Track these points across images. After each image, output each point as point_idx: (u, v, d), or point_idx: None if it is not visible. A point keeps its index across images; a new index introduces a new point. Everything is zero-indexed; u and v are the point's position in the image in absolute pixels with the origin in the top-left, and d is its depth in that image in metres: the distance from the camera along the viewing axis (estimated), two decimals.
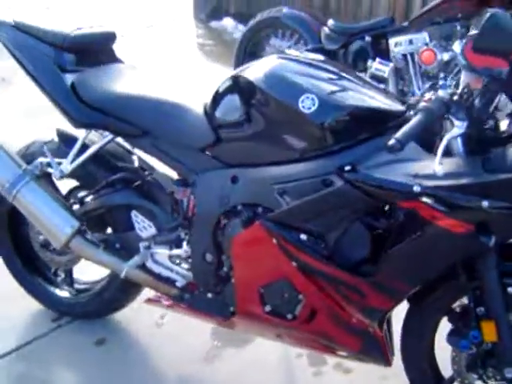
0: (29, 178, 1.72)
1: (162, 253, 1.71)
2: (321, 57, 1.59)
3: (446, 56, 2.93)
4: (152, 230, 1.70)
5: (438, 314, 1.56)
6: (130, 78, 1.76)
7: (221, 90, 1.61)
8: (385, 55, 3.15)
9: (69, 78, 1.68)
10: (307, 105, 1.41)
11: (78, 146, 1.71)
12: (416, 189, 1.28)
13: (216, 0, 5.81)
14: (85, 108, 1.66)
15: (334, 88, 1.44)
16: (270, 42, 3.76)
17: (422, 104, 1.29)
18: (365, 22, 3.50)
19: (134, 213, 1.72)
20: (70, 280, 2.04)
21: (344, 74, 1.54)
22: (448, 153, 1.31)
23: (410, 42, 3.06)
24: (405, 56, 3.09)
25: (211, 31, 5.84)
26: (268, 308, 1.59)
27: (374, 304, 1.48)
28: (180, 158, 1.65)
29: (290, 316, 1.57)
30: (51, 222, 1.72)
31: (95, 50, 1.75)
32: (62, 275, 2.06)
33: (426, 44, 3.00)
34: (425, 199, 1.29)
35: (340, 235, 1.44)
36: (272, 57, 1.58)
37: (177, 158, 1.66)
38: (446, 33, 3.00)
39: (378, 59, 3.08)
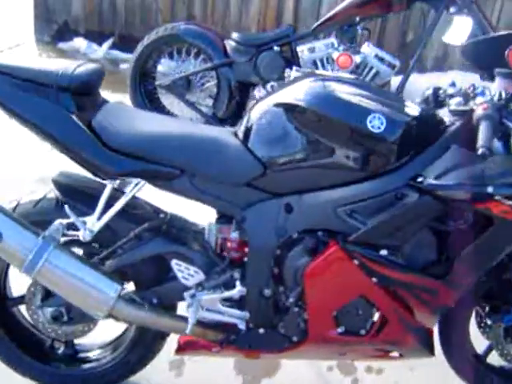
0: (53, 245, 1.46)
1: (212, 298, 1.58)
2: (347, 75, 1.61)
3: (358, 59, 3.14)
4: (199, 276, 1.57)
5: (478, 297, 1.72)
6: (143, 117, 1.58)
7: (257, 118, 1.54)
8: (294, 63, 3.25)
9: (84, 124, 1.45)
10: (376, 124, 1.42)
11: (104, 199, 1.48)
12: (490, 190, 1.38)
13: (62, 20, 5.39)
14: (114, 156, 1.45)
15: (391, 104, 1.48)
16: (161, 62, 3.63)
17: (481, 112, 1.39)
18: (269, 32, 3.59)
19: (174, 262, 1.56)
20: (73, 351, 1.78)
21: (378, 90, 1.59)
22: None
23: (319, 48, 3.21)
24: (315, 62, 3.23)
25: (61, 53, 5.40)
26: (341, 329, 1.58)
27: (445, 302, 1.57)
28: (222, 194, 1.54)
29: (363, 332, 1.59)
30: (91, 290, 1.49)
31: (97, 89, 1.53)
32: (62, 348, 1.79)
33: (336, 49, 3.19)
34: (497, 198, 1.40)
35: (414, 243, 1.50)
36: (308, 79, 1.55)
37: (218, 196, 1.54)
38: (349, 36, 3.21)
39: (294, 67, 3.16)
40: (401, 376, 2.01)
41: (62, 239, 1.50)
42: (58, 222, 1.48)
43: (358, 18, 3.17)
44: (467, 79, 4.93)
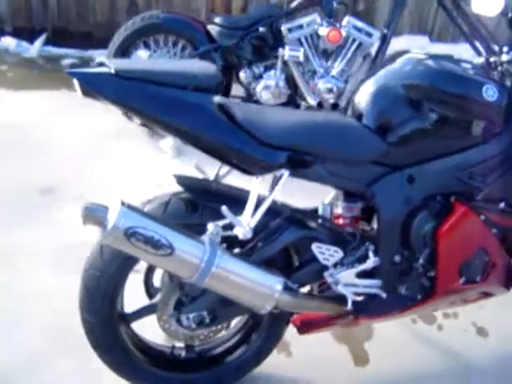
0: (220, 250, 1.46)
1: (349, 273, 1.68)
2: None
3: (343, 33, 3.27)
4: (339, 255, 1.65)
5: None
6: (266, 110, 1.61)
7: (370, 99, 1.64)
8: (281, 42, 3.33)
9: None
10: (490, 93, 1.59)
11: (255, 195, 1.50)
12: None
13: None
14: (266, 149, 1.47)
15: (491, 73, 1.65)
16: (137, 52, 3.50)
17: None
18: (252, 13, 3.59)
19: (315, 245, 1.63)
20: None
21: (465, 61, 1.75)
22: None
23: (303, 25, 3.30)
24: (300, 40, 3.32)
25: None
26: (463, 280, 1.75)
27: None
28: (351, 174, 1.63)
29: (478, 279, 1.77)
30: (258, 287, 1.51)
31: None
32: (183, 353, 1.80)
33: (320, 25, 3.30)
34: None
35: None
36: (411, 58, 1.67)
37: (347, 176, 1.63)
38: (327, 11, 3.34)
39: (287, 46, 3.25)
40: (474, 315, 2.25)
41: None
42: (212, 225, 1.48)
43: None
44: (417, 42, 5.28)
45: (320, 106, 3.36)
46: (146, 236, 1.34)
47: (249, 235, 1.49)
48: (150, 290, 1.73)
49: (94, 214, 1.32)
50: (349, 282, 1.69)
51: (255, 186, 1.53)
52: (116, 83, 1.37)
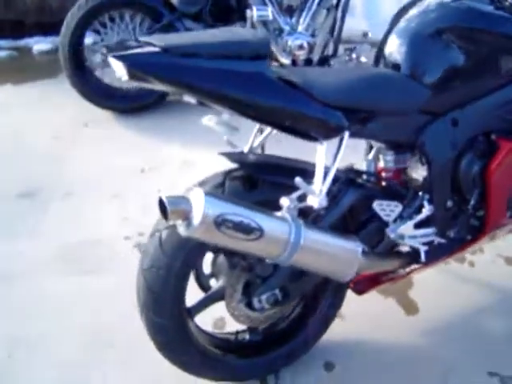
0: (302, 223, 1.38)
1: (407, 226, 1.65)
2: None
3: None
4: (399, 209, 1.62)
5: None
6: (316, 71, 1.53)
7: (402, 47, 1.60)
8: (245, 3, 3.19)
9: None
10: None
11: (322, 160, 1.41)
12: None
13: None
14: (331, 110, 1.38)
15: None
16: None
17: None
18: None
19: (376, 203, 1.59)
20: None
21: None
22: None
23: None
24: None
25: None
26: (509, 214, 1.78)
27: None
28: (401, 127, 1.59)
29: None
30: (341, 254, 1.45)
31: None
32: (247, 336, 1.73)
33: None
34: None
35: None
36: (436, 2, 1.62)
37: (395, 129, 1.59)
38: None
39: (254, 7, 3.11)
40: (497, 248, 2.29)
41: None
42: (287, 199, 1.40)
43: None
44: None
45: (294, 63, 3.29)
46: (235, 222, 1.23)
47: (324, 203, 1.41)
48: (200, 278, 1.64)
49: (178, 208, 1.19)
50: (409, 234, 1.68)
51: (321, 152, 1.45)
52: (168, 61, 1.24)
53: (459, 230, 1.77)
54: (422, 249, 1.66)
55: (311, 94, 1.38)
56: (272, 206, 1.46)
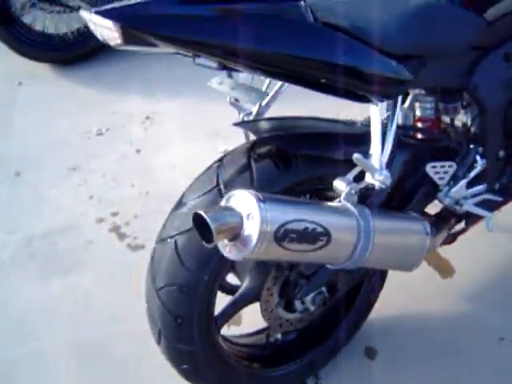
0: (367, 211, 1.05)
1: (461, 186, 1.37)
2: None
3: None
4: (453, 168, 1.33)
5: None
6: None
7: None
8: None
9: None
10: None
11: (378, 127, 1.08)
12: None
13: None
14: (393, 61, 1.04)
15: None
16: None
17: None
18: None
19: (429, 165, 1.29)
20: None
21: None
22: None
23: None
24: None
25: None
26: None
27: None
28: (450, 69, 1.27)
29: None
30: (412, 240, 1.16)
31: None
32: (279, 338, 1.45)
33: None
34: None
35: None
36: None
37: (450, 72, 1.27)
38: None
39: None
40: None
41: None
42: (342, 182, 1.07)
43: None
44: None
45: None
46: (299, 231, 0.89)
47: (388, 182, 1.10)
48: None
49: (226, 225, 0.84)
50: (463, 195, 1.41)
51: (375, 115, 1.11)
52: (178, 12, 0.84)
53: (507, 181, 1.53)
54: (472, 209, 1.41)
55: (364, 39, 1.02)
56: (310, 187, 1.14)
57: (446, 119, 1.41)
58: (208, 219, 0.82)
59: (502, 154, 1.44)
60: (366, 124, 1.23)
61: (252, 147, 1.17)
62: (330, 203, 1.04)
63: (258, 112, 1.34)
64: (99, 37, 0.92)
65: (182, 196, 1.17)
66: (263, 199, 0.88)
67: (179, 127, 2.54)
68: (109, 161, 2.33)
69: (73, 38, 2.87)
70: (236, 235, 0.85)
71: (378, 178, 1.08)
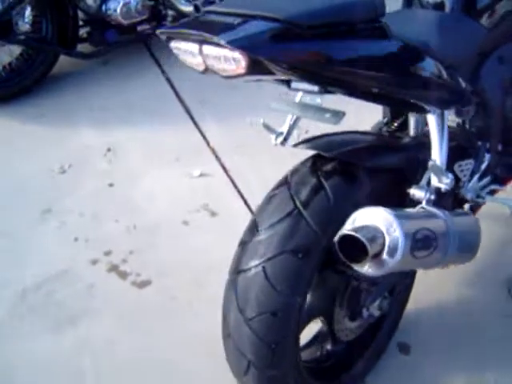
0: (448, 213, 1.11)
1: (475, 181, 1.49)
2: None
3: None
4: (471, 165, 1.45)
5: None
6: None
7: None
8: None
9: None
10: None
11: (436, 132, 1.15)
12: None
13: None
14: (455, 73, 1.14)
15: None
16: None
17: None
18: None
19: (456, 165, 1.39)
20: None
21: None
22: None
23: None
24: None
25: None
26: None
27: None
28: (463, 73, 1.39)
29: None
30: (474, 233, 1.21)
31: None
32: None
33: None
34: None
35: None
36: None
37: (464, 78, 1.39)
38: None
39: None
40: None
41: None
42: (417, 190, 1.12)
43: None
44: None
45: (197, 10, 2.85)
46: (422, 239, 0.94)
47: (452, 183, 1.18)
48: None
49: (375, 241, 0.86)
50: (479, 188, 1.54)
51: (434, 123, 1.19)
52: (307, 43, 0.86)
53: (500, 171, 1.69)
54: (490, 199, 1.55)
55: (433, 54, 1.10)
56: (377, 199, 1.19)
57: (459, 120, 1.55)
58: (363, 239, 0.84)
59: (500, 147, 1.60)
60: (413, 136, 1.32)
61: (315, 164, 1.20)
62: (422, 209, 1.11)
63: (289, 132, 1.38)
64: (198, 68, 0.90)
65: (255, 223, 1.17)
66: (397, 213, 0.92)
67: (143, 156, 2.48)
68: (82, 198, 2.21)
69: (8, 72, 2.69)
70: (381, 251, 0.89)
71: (445, 182, 1.16)
